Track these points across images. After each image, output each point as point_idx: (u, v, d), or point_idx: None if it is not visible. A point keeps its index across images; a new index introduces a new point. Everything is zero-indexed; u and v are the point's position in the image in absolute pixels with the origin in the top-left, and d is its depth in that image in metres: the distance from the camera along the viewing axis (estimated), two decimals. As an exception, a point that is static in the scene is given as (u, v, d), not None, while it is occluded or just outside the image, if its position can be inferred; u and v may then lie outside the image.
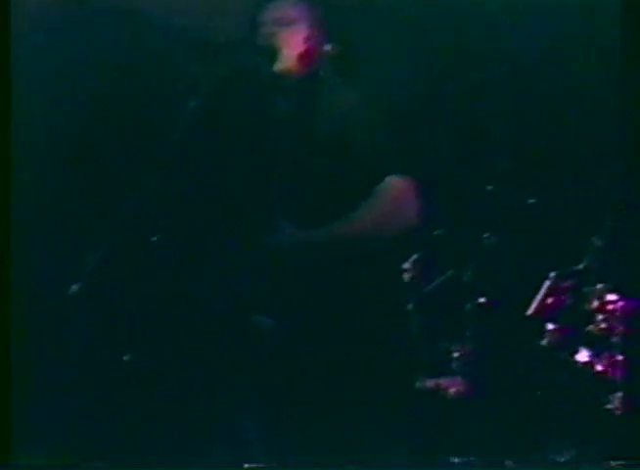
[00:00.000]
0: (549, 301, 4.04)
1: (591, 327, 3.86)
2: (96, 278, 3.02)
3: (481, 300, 4.13)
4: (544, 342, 3.98)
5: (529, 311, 4.06)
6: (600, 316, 3.85)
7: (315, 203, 3.22)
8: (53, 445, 3.61)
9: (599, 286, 3.91)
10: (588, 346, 3.83)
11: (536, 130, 4.38)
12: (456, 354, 4.10)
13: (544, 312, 4.03)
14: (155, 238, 3.80)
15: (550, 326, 3.98)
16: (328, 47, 3.37)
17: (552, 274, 4.08)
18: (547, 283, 4.07)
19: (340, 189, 3.20)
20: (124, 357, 3.75)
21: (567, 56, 4.37)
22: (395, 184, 3.18)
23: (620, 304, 3.81)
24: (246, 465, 3.22)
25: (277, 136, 3.37)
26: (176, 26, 4.29)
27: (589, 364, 3.81)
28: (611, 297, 3.85)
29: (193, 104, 3.20)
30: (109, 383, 3.81)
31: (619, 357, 3.75)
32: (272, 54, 3.34)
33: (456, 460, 3.71)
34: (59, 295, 3.02)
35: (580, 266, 4.05)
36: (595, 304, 3.88)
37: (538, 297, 4.06)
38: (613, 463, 3.39)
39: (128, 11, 4.35)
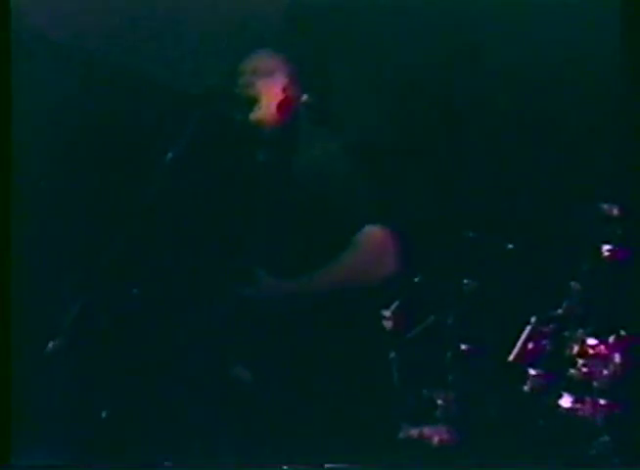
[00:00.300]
0: (530, 346, 4.04)
1: (573, 372, 3.86)
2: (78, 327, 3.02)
3: (463, 346, 4.13)
4: (527, 387, 3.97)
5: (511, 357, 4.06)
6: (581, 361, 3.85)
7: (294, 252, 3.23)
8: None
9: (579, 330, 3.91)
10: (571, 391, 3.83)
11: (513, 177, 4.41)
12: (439, 402, 4.09)
13: (526, 358, 4.03)
14: (135, 290, 3.80)
15: (532, 371, 3.98)
16: (305, 97, 3.42)
17: (532, 319, 4.09)
18: (528, 328, 4.07)
19: (319, 238, 3.21)
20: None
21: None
22: (374, 233, 3.20)
23: (601, 347, 3.82)
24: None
25: (255, 185, 3.40)
26: (153, 76, 4.33)
27: (572, 409, 3.80)
28: (591, 341, 3.85)
29: (171, 154, 3.21)
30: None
31: (602, 402, 3.75)
32: (249, 103, 3.38)
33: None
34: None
35: (560, 311, 4.06)
36: (576, 348, 3.88)
37: (519, 342, 4.06)
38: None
39: (104, 61, 4.40)
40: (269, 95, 3.39)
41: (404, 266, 3.20)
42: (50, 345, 3.04)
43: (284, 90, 3.38)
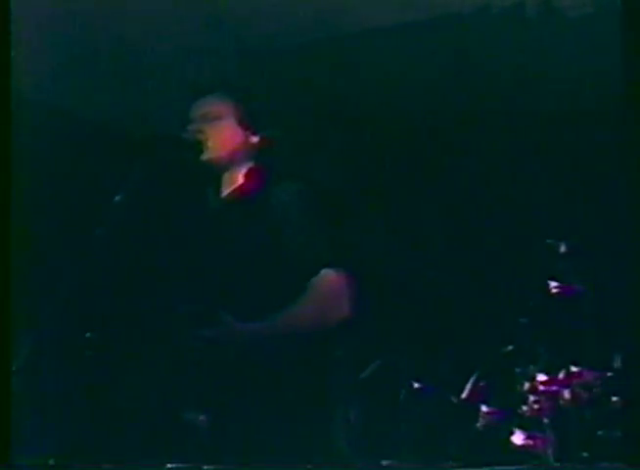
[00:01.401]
0: (482, 383, 4.08)
1: (524, 408, 3.90)
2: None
3: (416, 385, 4.16)
4: (479, 424, 4.01)
5: (464, 395, 4.10)
6: (532, 397, 3.89)
7: (253, 295, 3.24)
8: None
9: (530, 367, 3.96)
10: (522, 427, 3.87)
11: (463, 214, 4.45)
12: (393, 439, 4.11)
13: (478, 395, 4.07)
14: (88, 334, 3.80)
15: (484, 409, 4.02)
16: (255, 139, 3.45)
17: (483, 357, 4.13)
18: (479, 366, 4.12)
19: (276, 282, 3.23)
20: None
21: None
22: (330, 277, 3.22)
23: (550, 383, 3.86)
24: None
25: (209, 229, 3.41)
26: (104, 121, 4.36)
27: (524, 446, 3.84)
28: (541, 377, 3.90)
29: (119, 198, 3.23)
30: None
31: (552, 438, 3.79)
32: (199, 147, 3.40)
33: None
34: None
35: (510, 348, 4.11)
36: (527, 385, 3.93)
37: (471, 380, 4.10)
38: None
39: (53, 105, 4.41)
40: (218, 138, 3.42)
41: (359, 309, 3.24)
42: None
43: (232, 133, 3.42)
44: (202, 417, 3.20)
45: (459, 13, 4.25)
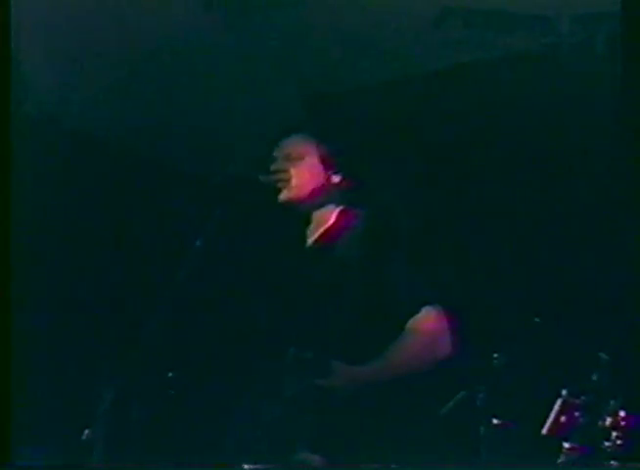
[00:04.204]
0: (563, 419, 4.04)
1: (607, 444, 3.85)
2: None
3: (495, 421, 4.12)
4: (561, 460, 3.96)
5: (544, 430, 4.05)
6: (615, 433, 3.84)
7: (353, 338, 3.22)
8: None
9: (611, 402, 3.91)
10: (606, 463, 3.82)
11: (544, 253, 4.42)
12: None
13: (559, 431, 4.02)
14: (170, 374, 3.78)
15: (566, 445, 3.97)
16: (337, 179, 3.45)
17: (564, 392, 4.08)
18: (559, 401, 4.07)
19: (376, 322, 3.21)
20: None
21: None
22: (431, 315, 3.19)
23: (630, 419, 3.81)
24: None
25: (298, 272, 3.40)
26: (183, 166, 4.45)
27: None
28: (623, 413, 3.84)
29: (199, 243, 3.24)
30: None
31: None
32: (282, 187, 3.42)
33: None
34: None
35: (590, 383, 4.06)
36: (609, 420, 3.88)
37: (552, 415, 4.06)
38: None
39: (131, 151, 4.47)
40: (300, 178, 3.44)
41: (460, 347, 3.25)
42: None
43: (314, 173, 3.44)
44: (316, 458, 3.18)
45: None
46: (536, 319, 4.30)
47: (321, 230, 3.45)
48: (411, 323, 3.19)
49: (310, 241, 3.47)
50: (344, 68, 4.30)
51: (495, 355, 4.21)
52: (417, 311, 3.20)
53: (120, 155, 4.55)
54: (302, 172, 3.45)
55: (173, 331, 3.13)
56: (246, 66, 4.24)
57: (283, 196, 3.43)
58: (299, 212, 3.47)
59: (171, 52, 4.26)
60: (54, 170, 4.12)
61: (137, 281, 4.17)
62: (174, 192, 4.42)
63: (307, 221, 3.49)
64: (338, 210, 3.44)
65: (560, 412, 4.04)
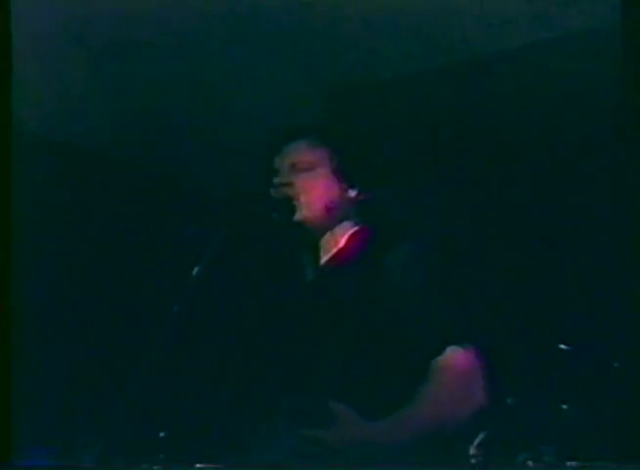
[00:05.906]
0: None
1: None
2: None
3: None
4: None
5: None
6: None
7: (365, 382, 2.77)
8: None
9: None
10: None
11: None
12: None
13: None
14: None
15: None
16: (353, 193, 2.96)
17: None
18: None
19: (393, 364, 2.76)
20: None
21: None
22: (458, 356, 2.74)
23: None
24: None
25: (310, 302, 2.93)
26: (180, 181, 4.26)
27: None
28: None
29: (197, 269, 2.80)
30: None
31: None
32: (289, 205, 2.92)
33: None
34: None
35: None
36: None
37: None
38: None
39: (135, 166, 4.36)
40: (312, 193, 2.93)
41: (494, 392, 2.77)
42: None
43: (327, 187, 2.94)
44: None
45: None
46: (615, 364, 3.75)
47: (330, 254, 2.97)
48: (439, 362, 2.71)
49: (319, 267, 2.98)
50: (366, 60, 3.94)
51: (565, 406, 3.65)
52: (442, 350, 2.73)
53: (120, 168, 4.51)
54: (313, 186, 2.92)
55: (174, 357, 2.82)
56: (246, 65, 3.96)
57: (289, 216, 2.90)
58: (311, 234, 2.95)
59: (173, 60, 4.04)
60: (52, 183, 4.06)
61: (138, 287, 4.13)
62: (174, 208, 4.24)
63: (315, 246, 2.98)
64: (352, 230, 2.98)
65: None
